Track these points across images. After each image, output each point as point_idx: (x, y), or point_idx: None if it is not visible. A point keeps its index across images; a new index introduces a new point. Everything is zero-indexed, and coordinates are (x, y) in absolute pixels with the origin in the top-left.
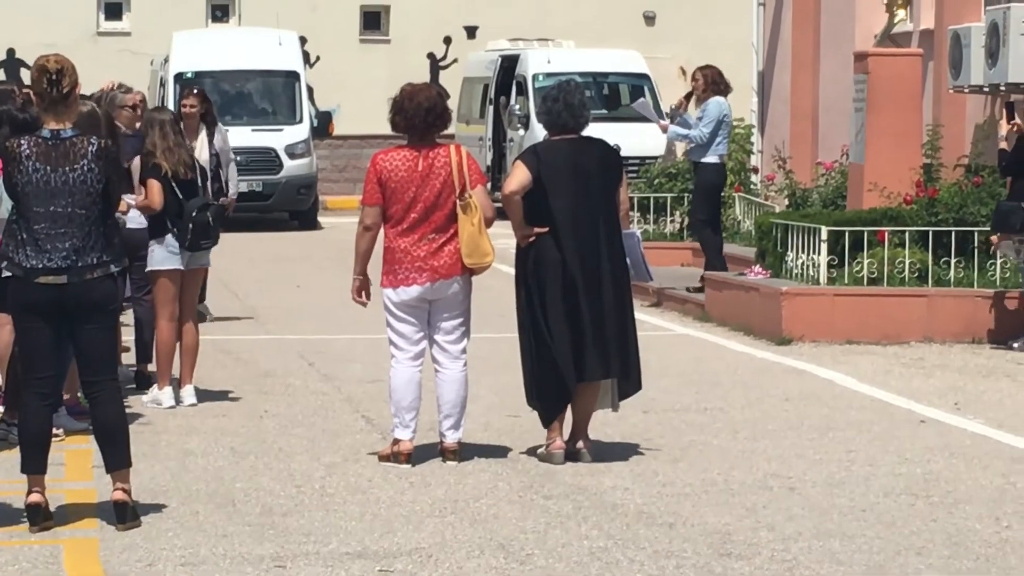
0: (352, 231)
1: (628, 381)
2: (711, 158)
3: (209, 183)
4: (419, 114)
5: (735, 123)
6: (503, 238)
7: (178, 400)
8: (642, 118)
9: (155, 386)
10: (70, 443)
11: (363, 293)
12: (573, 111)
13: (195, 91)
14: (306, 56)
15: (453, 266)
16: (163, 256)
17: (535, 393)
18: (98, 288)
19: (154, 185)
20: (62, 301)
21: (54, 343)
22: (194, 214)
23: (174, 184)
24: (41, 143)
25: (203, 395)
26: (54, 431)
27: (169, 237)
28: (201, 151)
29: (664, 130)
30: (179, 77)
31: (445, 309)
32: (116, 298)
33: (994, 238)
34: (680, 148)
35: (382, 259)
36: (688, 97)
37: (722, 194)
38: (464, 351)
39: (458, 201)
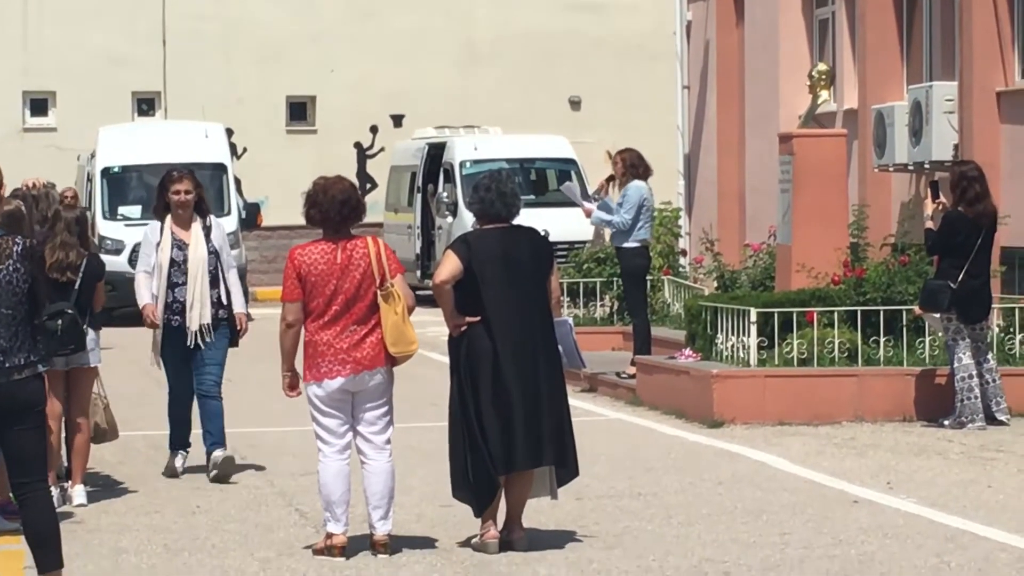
0: None
1: (565, 468)
2: (633, 243)
3: (203, 288)
4: (334, 207)
5: (663, 206)
6: (432, 326)
7: (67, 499)
8: (570, 203)
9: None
10: (1, 544)
11: (294, 389)
12: (505, 200)
13: (187, 171)
14: (233, 148)
15: (376, 357)
16: None
17: (467, 483)
18: (26, 389)
19: None
20: None
21: None
22: (45, 319)
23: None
24: None
25: (135, 492)
26: None
27: None
28: (196, 247)
29: (588, 214)
30: (106, 172)
31: (368, 400)
32: (44, 399)
33: (916, 309)
34: (608, 232)
35: (303, 353)
36: (610, 180)
37: (648, 278)
38: (389, 441)
39: (379, 291)
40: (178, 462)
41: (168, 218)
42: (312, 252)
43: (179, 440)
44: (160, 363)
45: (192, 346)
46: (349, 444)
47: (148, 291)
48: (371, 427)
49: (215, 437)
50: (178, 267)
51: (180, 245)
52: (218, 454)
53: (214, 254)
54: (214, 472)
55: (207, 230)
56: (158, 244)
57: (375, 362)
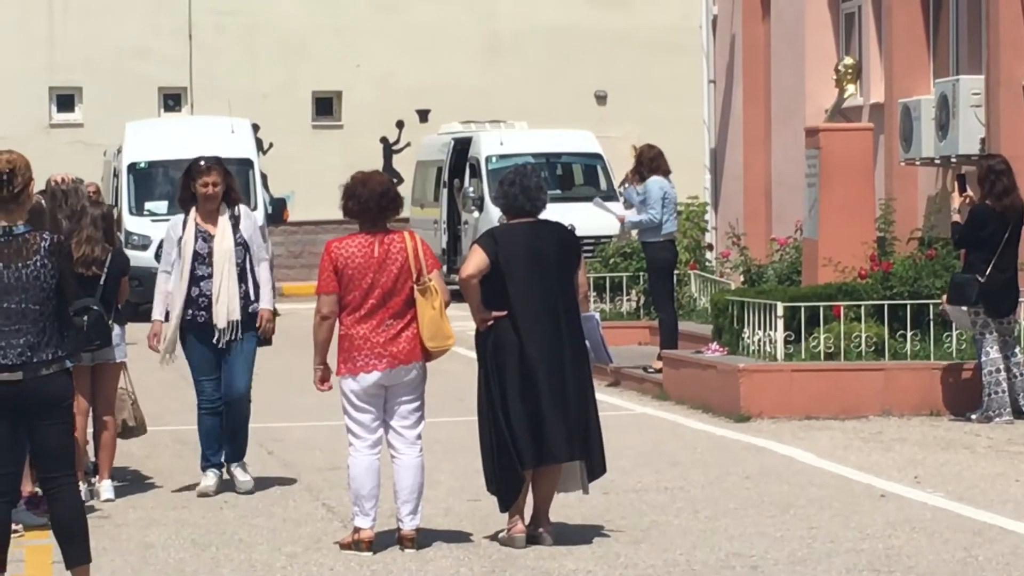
0: (309, 317)
1: (592, 463)
2: (659, 237)
3: (230, 282)
4: (373, 199)
5: (690, 201)
6: (460, 320)
7: (95, 494)
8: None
9: None
10: (29, 539)
11: (325, 383)
12: (530, 195)
13: (213, 163)
14: (259, 143)
15: (412, 351)
16: None
17: (494, 476)
18: (53, 384)
19: None
20: (18, 398)
21: (11, 440)
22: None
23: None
24: None
25: (161, 487)
26: (13, 527)
27: None
28: (223, 239)
29: (621, 221)
30: (132, 167)
31: (402, 394)
32: (71, 394)
33: (943, 304)
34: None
35: (338, 347)
36: (635, 171)
37: (675, 272)
38: (420, 436)
39: (416, 286)
40: (210, 482)
41: (193, 209)
42: (349, 245)
43: (211, 456)
44: (168, 360)
45: (220, 345)
46: (381, 439)
47: (162, 300)
48: (403, 421)
49: (235, 451)
50: (203, 260)
51: (206, 237)
52: (241, 479)
53: (242, 245)
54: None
55: (235, 220)
56: (180, 238)
57: (411, 356)
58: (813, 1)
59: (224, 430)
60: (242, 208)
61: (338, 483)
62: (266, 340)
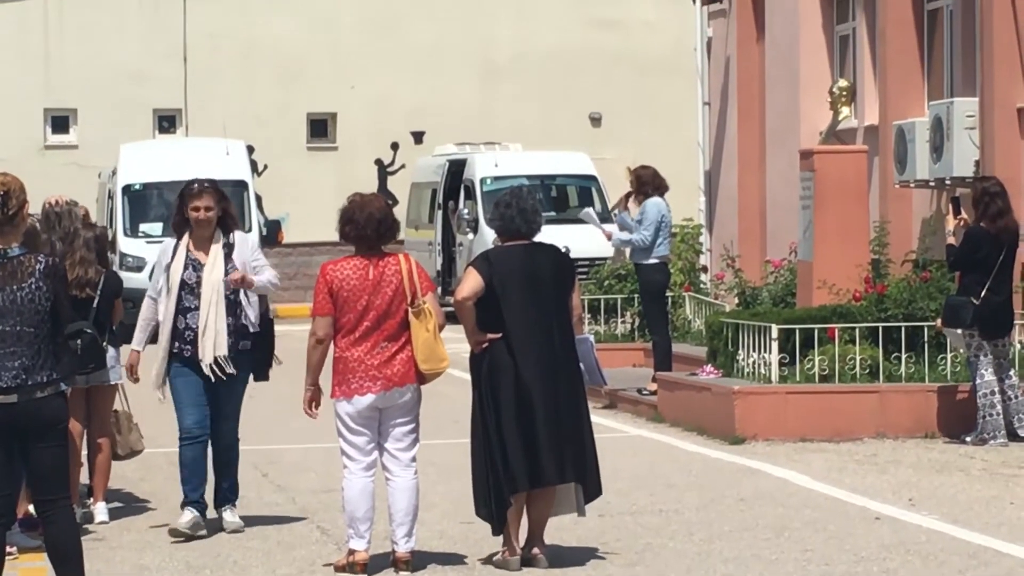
0: (303, 339)
1: (587, 485)
2: (652, 260)
3: (217, 315)
4: (371, 225)
5: (684, 223)
6: (455, 342)
7: (89, 517)
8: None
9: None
10: (24, 561)
11: (314, 405)
12: (526, 217)
13: (208, 184)
14: (254, 165)
15: (406, 374)
16: None
17: (489, 499)
18: (48, 407)
19: None
20: (12, 421)
21: (6, 463)
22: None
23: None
24: None
25: (155, 509)
26: (8, 549)
27: None
28: (212, 268)
29: (609, 238)
30: (127, 189)
31: (396, 417)
32: (67, 416)
33: (938, 323)
34: (628, 250)
35: (333, 369)
36: (628, 196)
37: (668, 294)
38: (414, 459)
39: (411, 308)
40: (186, 520)
41: (187, 235)
42: (344, 268)
43: (190, 492)
44: (163, 397)
45: (199, 379)
46: (375, 462)
47: (144, 328)
48: (398, 443)
49: (228, 491)
50: (191, 290)
51: (195, 265)
52: (229, 519)
53: None
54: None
55: (228, 248)
56: (169, 265)
57: (405, 379)
58: (807, 23)
59: (215, 471)
60: (237, 235)
61: (332, 505)
62: (264, 374)
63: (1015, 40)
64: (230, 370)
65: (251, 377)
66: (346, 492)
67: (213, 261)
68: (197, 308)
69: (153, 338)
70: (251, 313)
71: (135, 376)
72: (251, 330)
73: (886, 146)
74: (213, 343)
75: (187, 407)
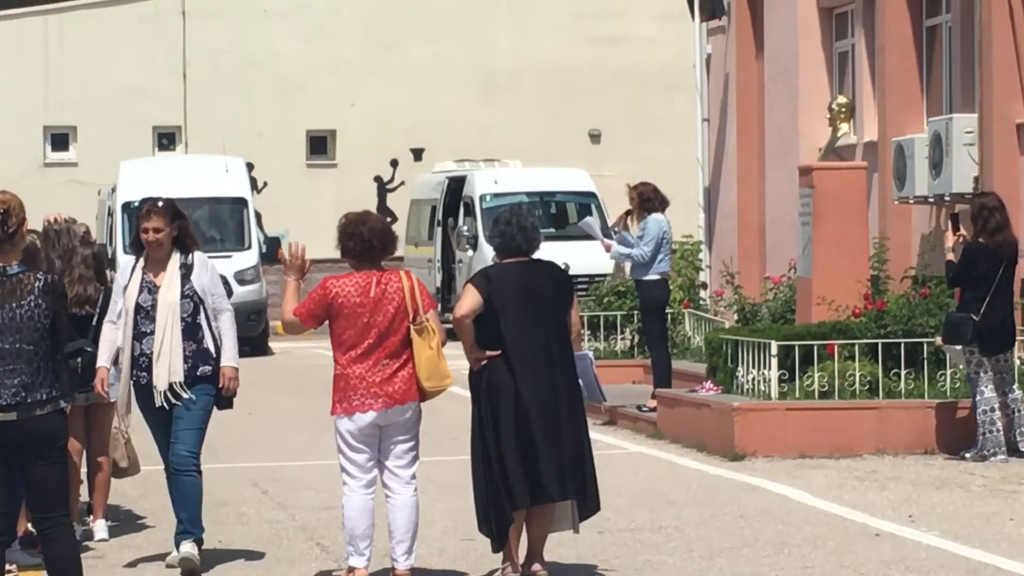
0: (303, 355)
1: (586, 502)
2: (652, 276)
3: (172, 340)
4: (376, 236)
5: (684, 239)
6: (454, 359)
7: (89, 535)
8: (591, 236)
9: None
10: None
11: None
12: (527, 234)
13: (159, 204)
14: (253, 182)
15: (408, 392)
16: None
17: (488, 516)
18: (48, 424)
19: None
20: (12, 438)
21: (6, 481)
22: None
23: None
24: None
25: (154, 527)
26: (8, 567)
27: None
28: (167, 290)
29: (607, 249)
30: (127, 206)
31: (396, 434)
32: (66, 434)
33: (938, 340)
34: (628, 266)
35: (334, 387)
36: (628, 214)
37: (668, 310)
38: (414, 476)
39: (413, 325)
40: (180, 553)
41: (144, 255)
42: (347, 284)
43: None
44: (125, 422)
45: (164, 407)
46: (375, 479)
47: (109, 349)
48: (398, 461)
49: (186, 524)
50: (146, 313)
51: (150, 288)
52: (184, 551)
53: (190, 298)
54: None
55: (186, 269)
56: (126, 287)
57: (407, 396)
58: (806, 40)
59: (173, 501)
60: (196, 256)
61: (332, 522)
62: (227, 403)
63: (1014, 56)
64: (186, 396)
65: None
66: (346, 509)
67: (168, 283)
68: (152, 333)
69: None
70: (210, 338)
71: (104, 391)
72: (212, 355)
73: (885, 162)
74: (168, 369)
75: (161, 442)
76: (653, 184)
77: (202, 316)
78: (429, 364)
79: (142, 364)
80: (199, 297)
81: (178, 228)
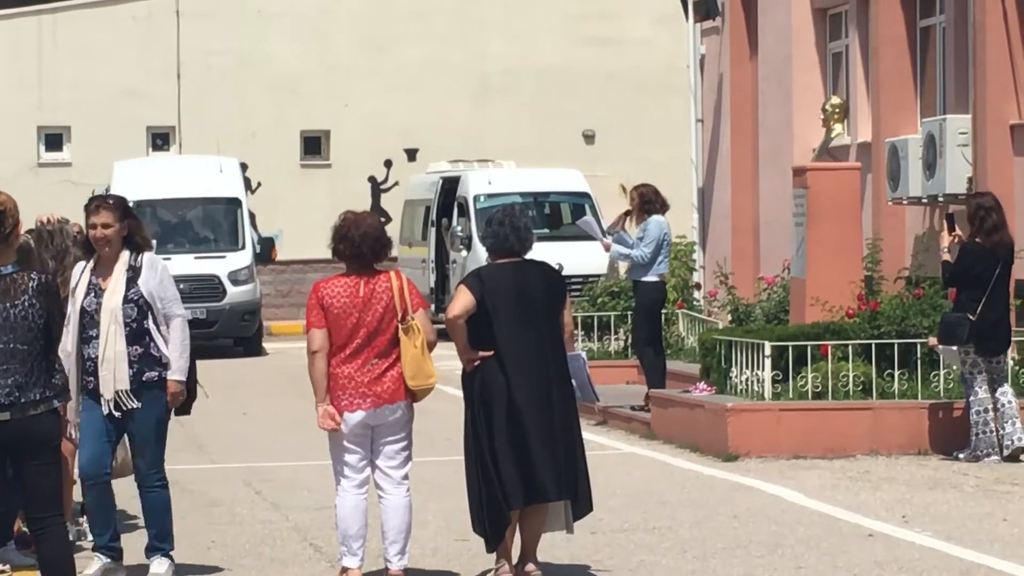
0: (297, 356)
1: (579, 502)
2: (651, 277)
3: (116, 345)
4: (366, 243)
5: (677, 240)
6: (447, 359)
7: (82, 535)
8: (585, 236)
9: None
10: None
11: (332, 419)
12: (520, 235)
13: (109, 200)
14: (247, 182)
15: (396, 391)
16: None
17: (482, 516)
18: (41, 424)
19: None
20: (5, 438)
21: (0, 481)
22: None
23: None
24: None
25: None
26: (2, 567)
27: None
28: (111, 295)
29: (607, 249)
30: None
31: (387, 434)
32: (59, 434)
33: (932, 340)
34: (623, 266)
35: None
36: (626, 215)
37: (663, 312)
38: (407, 476)
39: (400, 324)
40: (91, 571)
41: (94, 257)
42: (335, 285)
43: (99, 538)
44: (77, 434)
45: (113, 414)
46: (367, 479)
47: (64, 355)
48: (390, 461)
49: (154, 540)
50: (91, 318)
51: (96, 291)
52: (153, 571)
53: (134, 303)
54: None
55: (133, 272)
56: (74, 288)
57: (395, 396)
58: (800, 41)
59: (144, 515)
60: (146, 258)
61: (325, 522)
62: (184, 409)
63: (1007, 57)
64: (132, 404)
65: (171, 412)
66: (339, 510)
67: (113, 286)
68: (97, 337)
69: None
70: (160, 344)
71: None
72: (162, 360)
73: (879, 163)
74: (113, 375)
75: (84, 444)
76: (654, 186)
77: (150, 321)
78: (414, 363)
79: (88, 368)
80: (145, 301)
81: (128, 227)
